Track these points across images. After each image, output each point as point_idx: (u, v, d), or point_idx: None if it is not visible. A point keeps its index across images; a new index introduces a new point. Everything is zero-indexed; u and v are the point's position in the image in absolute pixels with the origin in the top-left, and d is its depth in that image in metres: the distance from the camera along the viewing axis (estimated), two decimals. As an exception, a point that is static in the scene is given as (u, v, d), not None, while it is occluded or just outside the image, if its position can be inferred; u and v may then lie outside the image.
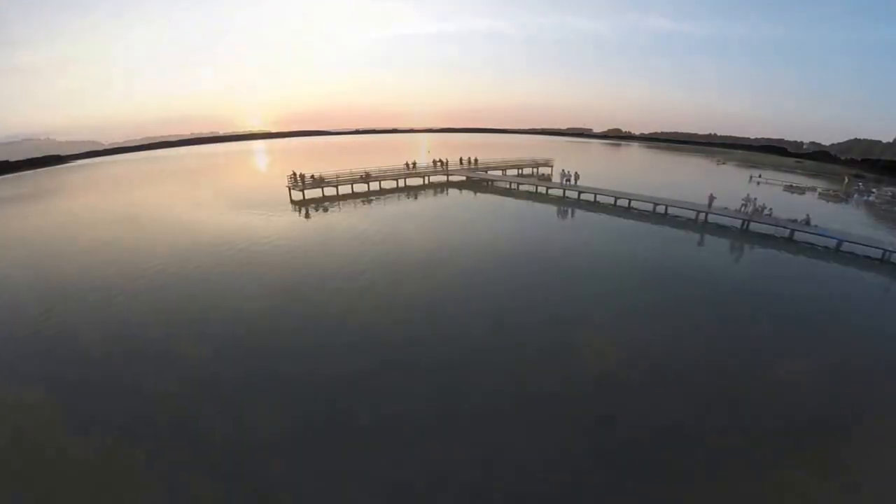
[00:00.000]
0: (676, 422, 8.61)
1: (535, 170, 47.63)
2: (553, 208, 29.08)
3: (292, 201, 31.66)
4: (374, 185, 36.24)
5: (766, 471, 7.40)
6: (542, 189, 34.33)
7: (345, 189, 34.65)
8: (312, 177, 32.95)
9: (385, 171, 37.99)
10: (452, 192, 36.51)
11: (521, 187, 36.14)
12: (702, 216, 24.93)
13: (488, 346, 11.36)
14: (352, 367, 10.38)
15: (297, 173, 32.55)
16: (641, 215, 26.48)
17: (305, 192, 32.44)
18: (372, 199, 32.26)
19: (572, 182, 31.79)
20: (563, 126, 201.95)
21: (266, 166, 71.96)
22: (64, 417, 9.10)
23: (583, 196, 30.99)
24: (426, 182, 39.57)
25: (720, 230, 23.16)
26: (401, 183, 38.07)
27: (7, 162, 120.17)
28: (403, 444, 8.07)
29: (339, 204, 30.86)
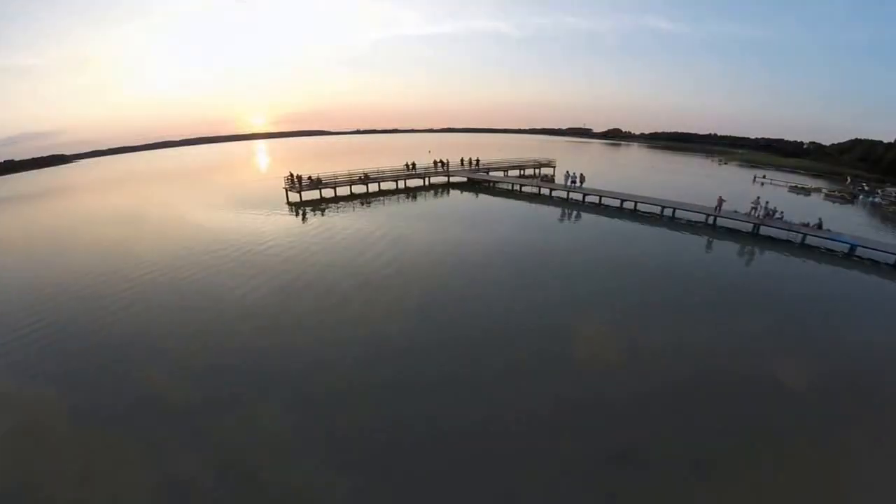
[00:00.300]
0: (687, 437, 8.07)
1: (537, 170, 46.85)
2: (557, 211, 28.36)
3: (289, 203, 30.93)
4: (374, 187, 35.39)
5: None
6: (545, 191, 33.56)
7: (343, 190, 33.86)
8: (310, 178, 32.13)
9: (384, 172, 37.12)
10: (454, 193, 35.78)
11: (524, 188, 35.37)
12: (711, 220, 24.24)
13: (497, 360, 10.68)
14: (350, 383, 9.76)
15: (294, 174, 31.73)
16: (648, 218, 25.75)
17: (303, 193, 31.59)
18: (371, 201, 31.48)
19: (577, 184, 30.91)
20: (563, 126, 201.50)
21: (264, 166, 71.50)
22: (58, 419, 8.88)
23: (587, 198, 30.25)
24: (427, 183, 38.78)
25: (731, 234, 22.48)
26: (400, 184, 37.24)
27: (12, 161, 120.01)
28: (402, 464, 7.41)
29: (337, 206, 30.08)
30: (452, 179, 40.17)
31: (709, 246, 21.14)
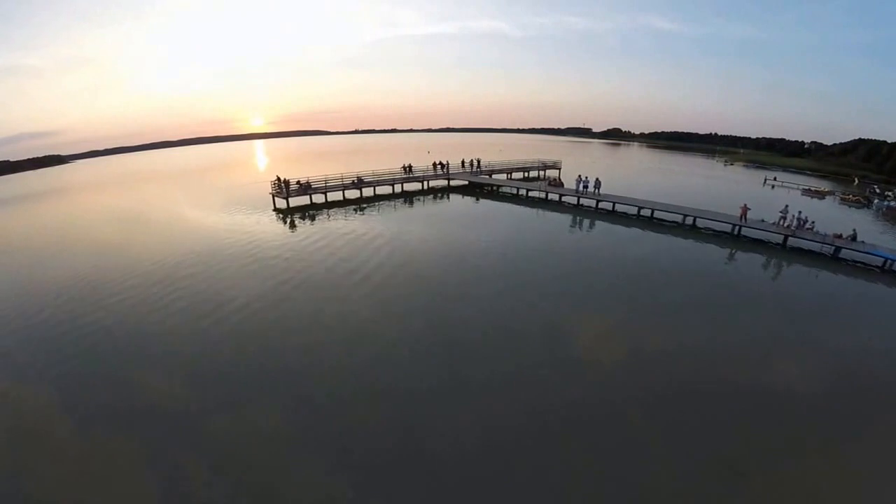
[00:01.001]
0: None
1: (542, 173, 44.66)
2: (567, 218, 26.18)
3: (276, 210, 28.64)
4: (368, 191, 33.11)
5: None
6: (553, 196, 31.24)
7: (336, 195, 31.55)
8: (298, 182, 29.79)
9: (379, 175, 34.72)
10: (454, 197, 33.55)
11: (531, 193, 33.04)
12: (736, 230, 22.10)
13: (500, 366, 10.42)
14: (350, 389, 9.58)
15: (282, 179, 29.38)
16: (668, 227, 23.73)
17: (291, 199, 29.17)
18: (364, 207, 29.18)
19: (591, 189, 28.51)
20: (563, 126, 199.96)
21: (256, 168, 69.24)
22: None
23: (600, 205, 28.06)
24: (426, 187, 36.53)
25: (759, 246, 20.51)
26: (397, 188, 34.96)
27: (8, 162, 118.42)
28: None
29: (327, 213, 27.75)
30: (452, 183, 37.97)
31: (741, 259, 19.10)
